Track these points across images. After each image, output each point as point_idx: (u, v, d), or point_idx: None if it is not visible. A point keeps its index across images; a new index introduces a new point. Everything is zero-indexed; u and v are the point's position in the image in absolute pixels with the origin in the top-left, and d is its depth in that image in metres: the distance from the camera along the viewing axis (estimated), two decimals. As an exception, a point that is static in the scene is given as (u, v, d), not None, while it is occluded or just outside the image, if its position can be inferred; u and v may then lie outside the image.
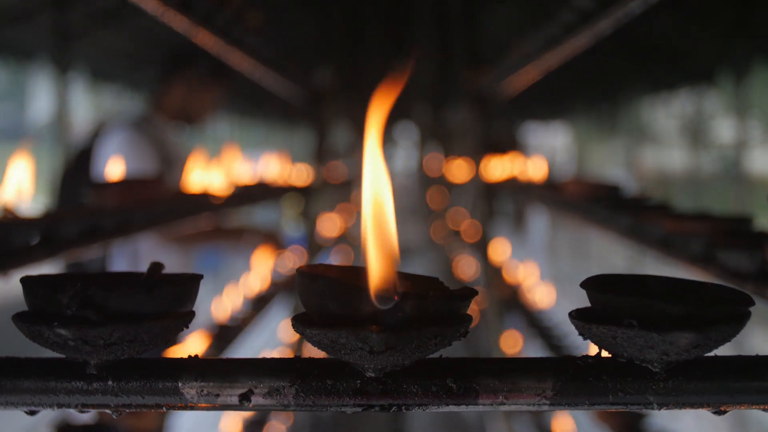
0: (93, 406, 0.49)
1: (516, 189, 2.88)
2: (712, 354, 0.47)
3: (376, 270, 0.47)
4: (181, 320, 0.50)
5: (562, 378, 0.47)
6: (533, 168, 2.63)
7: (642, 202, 1.56)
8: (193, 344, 1.96)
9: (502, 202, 5.66)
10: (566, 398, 0.47)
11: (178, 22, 1.38)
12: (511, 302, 3.02)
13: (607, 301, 0.48)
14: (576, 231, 7.67)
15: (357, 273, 0.50)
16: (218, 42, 1.66)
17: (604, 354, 0.49)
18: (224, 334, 2.13)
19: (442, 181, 5.66)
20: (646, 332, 0.45)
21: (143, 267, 0.55)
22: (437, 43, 5.52)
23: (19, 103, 5.54)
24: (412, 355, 0.46)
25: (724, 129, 5.48)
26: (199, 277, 0.53)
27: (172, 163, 2.48)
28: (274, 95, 3.32)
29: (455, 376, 0.47)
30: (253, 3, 1.92)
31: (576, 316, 0.49)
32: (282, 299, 2.88)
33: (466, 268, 4.06)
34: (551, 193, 2.07)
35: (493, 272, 3.26)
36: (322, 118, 3.60)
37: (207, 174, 1.88)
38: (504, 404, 0.48)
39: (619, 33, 1.70)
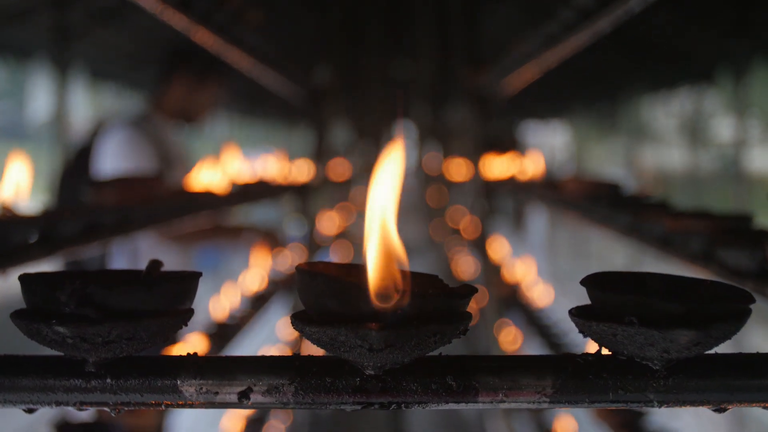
0: (92, 404, 0.48)
1: (515, 187, 2.88)
2: (712, 352, 0.47)
3: (376, 268, 0.47)
4: (179, 318, 0.50)
5: (562, 375, 0.47)
6: (530, 164, 2.63)
7: (641, 201, 1.55)
8: (192, 342, 1.96)
9: (502, 201, 5.65)
10: (566, 396, 0.47)
11: (177, 20, 1.38)
12: (511, 300, 3.02)
13: (607, 298, 0.48)
14: (575, 229, 7.66)
15: (356, 271, 0.50)
16: (218, 40, 1.66)
17: (604, 352, 0.48)
18: (223, 332, 2.13)
19: (441, 179, 5.66)
20: (646, 330, 0.44)
21: (142, 265, 0.54)
22: (437, 43, 5.52)
23: (19, 102, 5.54)
24: (412, 353, 0.46)
25: (723, 128, 5.47)
26: (198, 275, 0.53)
27: (171, 162, 2.48)
28: (273, 94, 3.32)
29: (455, 374, 0.47)
30: (252, 1, 1.92)
31: (576, 313, 0.49)
32: (281, 297, 2.88)
33: (466, 266, 4.05)
34: (551, 191, 2.07)
35: (492, 270, 3.26)
36: (321, 117, 3.60)
37: (207, 173, 1.88)
38: (504, 402, 0.47)
39: (619, 31, 1.70)
